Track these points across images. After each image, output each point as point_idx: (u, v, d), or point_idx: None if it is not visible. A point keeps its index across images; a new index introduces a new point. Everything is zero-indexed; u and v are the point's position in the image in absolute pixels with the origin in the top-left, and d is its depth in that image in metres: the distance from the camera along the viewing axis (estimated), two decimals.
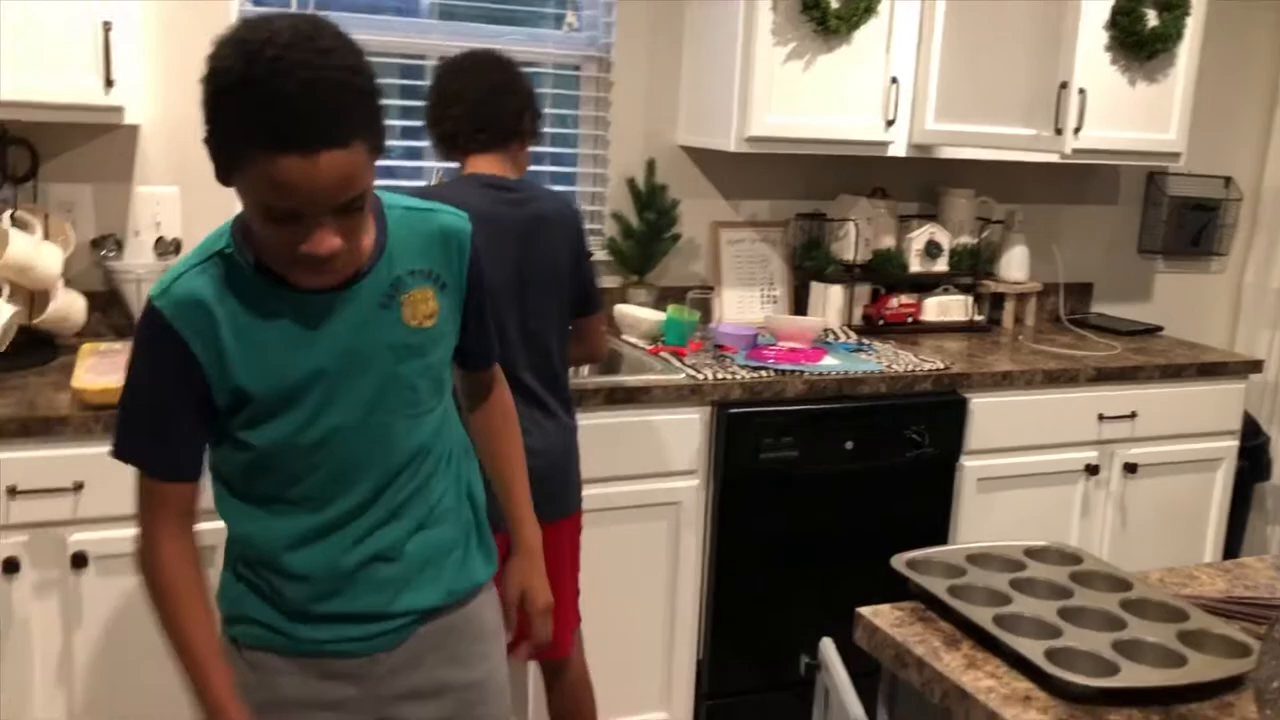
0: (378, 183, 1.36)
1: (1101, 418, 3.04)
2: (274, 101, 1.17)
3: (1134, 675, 1.24)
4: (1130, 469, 3.10)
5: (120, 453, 1.40)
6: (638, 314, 2.93)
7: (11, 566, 2.10)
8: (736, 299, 3.24)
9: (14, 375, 2.33)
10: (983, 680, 1.27)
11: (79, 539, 2.15)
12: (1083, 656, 1.28)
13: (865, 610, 1.44)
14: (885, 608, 1.45)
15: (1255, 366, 3.26)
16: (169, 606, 1.40)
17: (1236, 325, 4.01)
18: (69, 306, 2.48)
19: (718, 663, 2.77)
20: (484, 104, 2.14)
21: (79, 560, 2.14)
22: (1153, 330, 3.55)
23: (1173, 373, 3.13)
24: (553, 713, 2.41)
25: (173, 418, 1.37)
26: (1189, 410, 3.16)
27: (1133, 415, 3.07)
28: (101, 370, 2.26)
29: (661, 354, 2.81)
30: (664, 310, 2.92)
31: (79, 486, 2.12)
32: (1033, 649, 1.27)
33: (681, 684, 2.74)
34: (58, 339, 2.52)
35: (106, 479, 2.14)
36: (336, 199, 1.24)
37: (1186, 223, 3.85)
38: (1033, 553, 1.58)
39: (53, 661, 2.18)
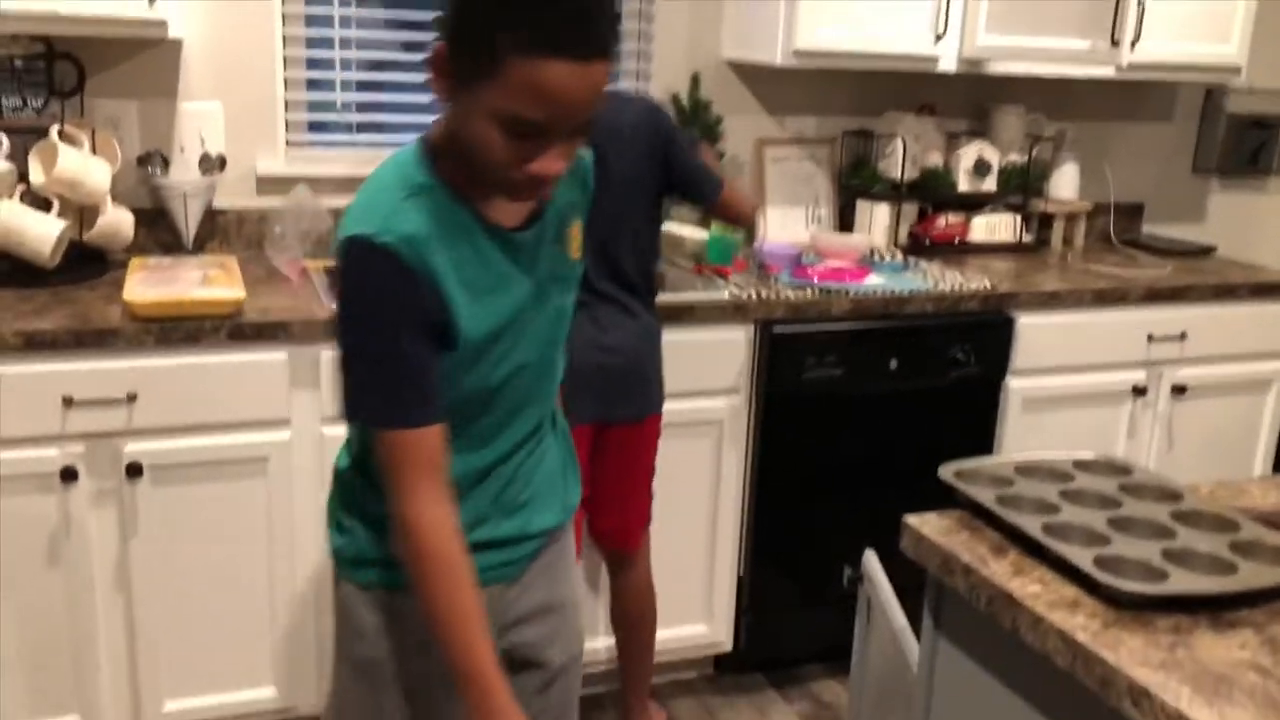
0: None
1: (1151, 339, 3.00)
2: (558, 1, 1.11)
3: (1183, 582, 1.24)
4: (1179, 391, 3.06)
5: (373, 418, 1.28)
6: (681, 232, 2.90)
7: (69, 475, 2.16)
8: (781, 218, 3.21)
9: (66, 289, 2.36)
10: (1030, 586, 1.27)
11: (134, 449, 2.19)
12: (1131, 564, 1.27)
13: (912, 518, 1.44)
14: (932, 516, 1.45)
15: None
16: (438, 578, 1.28)
17: None
18: (118, 222, 2.50)
19: (758, 578, 2.79)
20: None
21: (134, 470, 2.19)
22: (1206, 251, 3.48)
23: (1225, 293, 3.07)
24: (616, 614, 2.47)
25: (423, 363, 1.27)
26: (1240, 331, 3.11)
27: (1182, 336, 3.03)
28: (151, 284, 2.29)
29: (705, 273, 2.79)
30: (708, 229, 2.89)
31: (132, 398, 2.16)
32: (1081, 556, 1.27)
33: (722, 599, 2.77)
34: (108, 254, 2.55)
35: (159, 391, 2.18)
36: (585, 115, 1.19)
37: (1245, 140, 3.75)
38: (1082, 464, 1.56)
39: (110, 568, 2.24)
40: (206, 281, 2.34)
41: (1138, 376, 3.01)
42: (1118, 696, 1.11)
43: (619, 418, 2.25)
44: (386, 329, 1.25)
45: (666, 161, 2.25)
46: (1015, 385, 2.88)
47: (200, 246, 2.70)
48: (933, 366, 2.78)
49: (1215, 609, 1.23)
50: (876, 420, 2.78)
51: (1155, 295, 2.99)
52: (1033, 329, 2.86)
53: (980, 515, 1.43)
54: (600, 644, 2.61)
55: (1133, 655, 1.14)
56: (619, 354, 2.21)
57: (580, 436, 2.11)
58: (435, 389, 1.29)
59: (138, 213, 2.59)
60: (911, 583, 1.49)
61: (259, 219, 2.76)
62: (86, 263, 2.48)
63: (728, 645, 2.82)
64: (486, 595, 1.38)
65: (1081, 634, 1.17)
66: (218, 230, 2.75)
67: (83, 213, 2.48)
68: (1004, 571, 1.31)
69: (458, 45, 1.17)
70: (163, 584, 2.28)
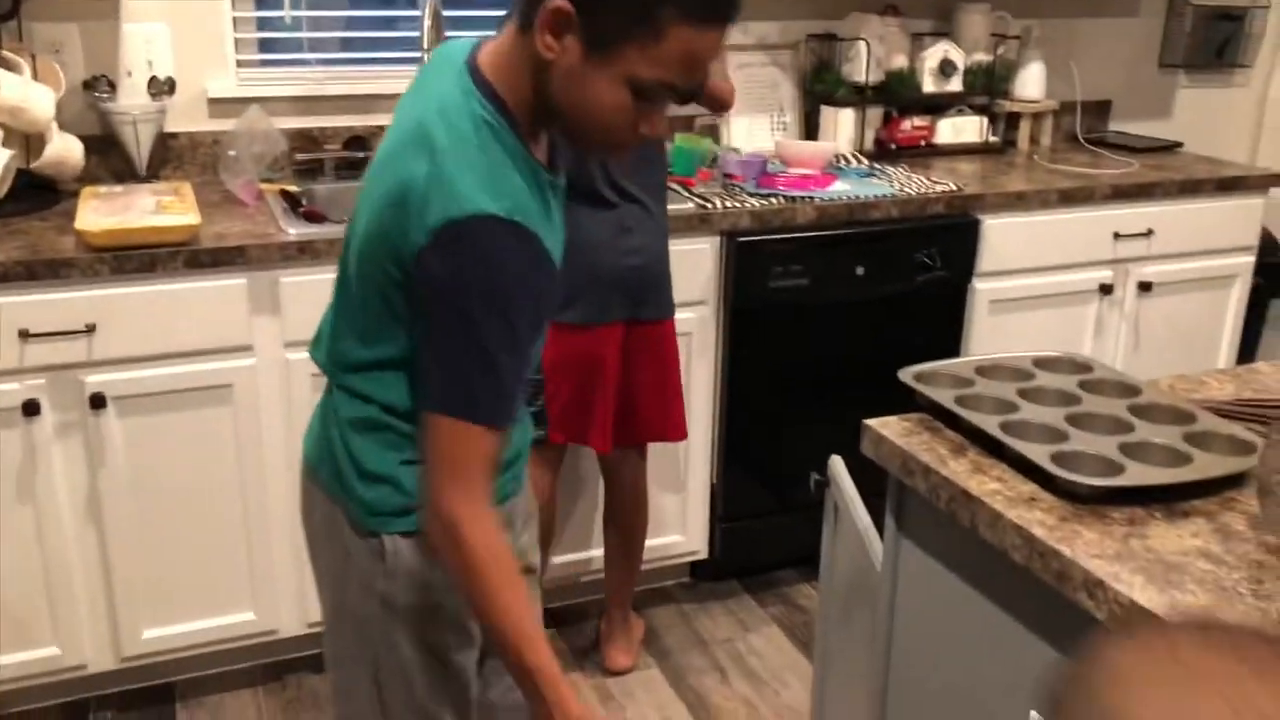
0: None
1: (1117, 236, 3.00)
2: None
3: (1138, 474, 1.25)
4: (1145, 288, 3.07)
5: (480, 414, 1.21)
6: None
7: (31, 409, 2.14)
8: (746, 126, 3.17)
9: (16, 220, 2.31)
10: (988, 484, 1.29)
11: (96, 380, 2.17)
12: (1088, 459, 1.29)
13: (872, 421, 1.45)
14: (892, 419, 1.46)
15: (1275, 180, 3.19)
16: (497, 577, 1.24)
17: (1259, 140, 3.91)
18: (66, 150, 2.44)
19: (731, 487, 2.82)
20: None
21: (97, 401, 2.17)
22: (1171, 147, 3.47)
23: (1190, 189, 3.06)
24: (611, 520, 2.56)
25: (530, 355, 1.26)
26: (1206, 227, 3.12)
27: (1149, 233, 3.03)
28: (104, 212, 2.24)
29: (671, 184, 2.75)
30: (672, 139, 2.85)
31: (91, 329, 2.13)
32: (1038, 452, 1.28)
33: (697, 508, 2.80)
34: (58, 184, 2.49)
35: (118, 321, 2.15)
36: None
37: (1210, 34, 3.71)
38: (1042, 363, 1.57)
39: (80, 501, 2.24)
40: (161, 208, 2.29)
41: (1104, 275, 3.02)
42: (1074, 588, 1.13)
43: (648, 316, 2.32)
44: (530, 316, 1.21)
45: None
46: (982, 287, 2.88)
47: (153, 173, 2.64)
48: (899, 271, 2.78)
49: (1170, 500, 1.25)
50: (844, 327, 2.78)
51: (1121, 193, 2.98)
52: (999, 230, 2.85)
53: (940, 416, 1.44)
54: (582, 555, 2.65)
55: (1088, 547, 1.15)
56: (645, 254, 2.27)
57: (611, 335, 2.25)
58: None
59: (87, 140, 2.53)
60: (877, 487, 1.50)
61: (212, 143, 2.70)
62: (36, 193, 2.43)
63: (703, 553, 2.86)
64: (509, 509, 1.40)
65: (1038, 529, 1.19)
66: (170, 156, 2.69)
67: (29, 141, 2.42)
68: (963, 470, 1.32)
69: (602, 8, 1.13)
70: (134, 514, 2.27)
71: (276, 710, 2.43)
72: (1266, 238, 3.63)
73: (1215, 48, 3.74)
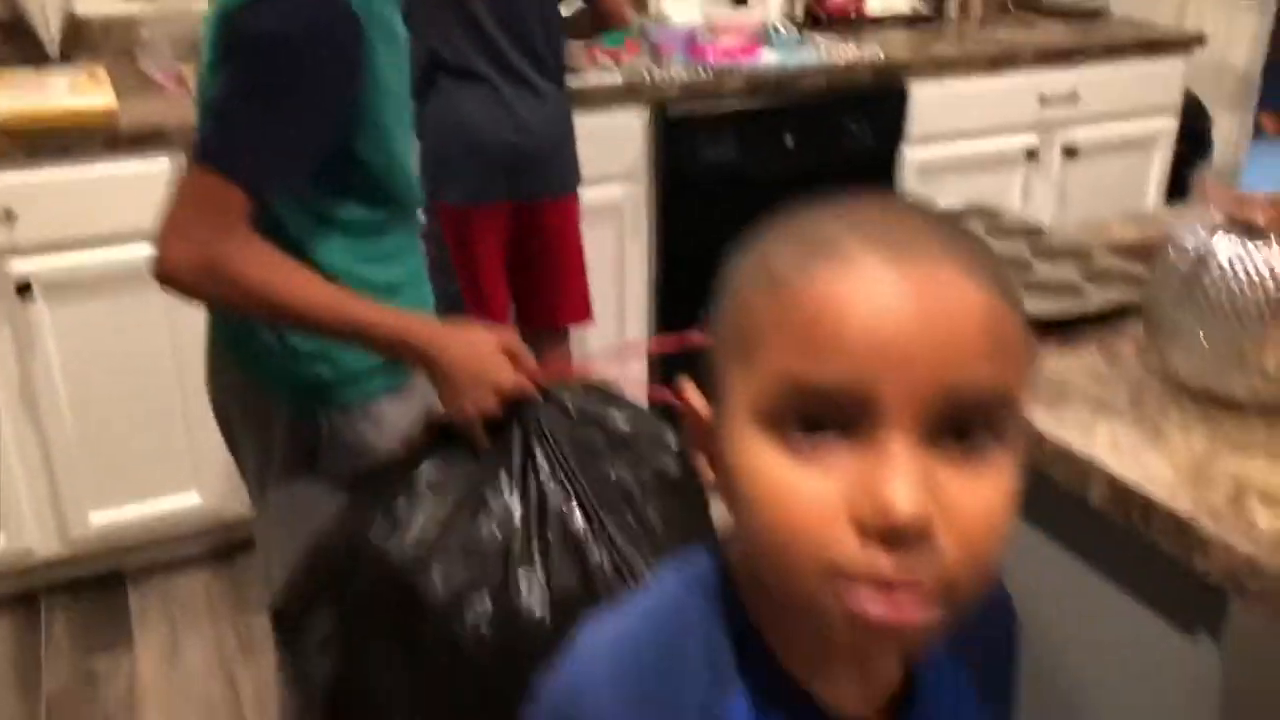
0: None
1: (1042, 101, 3.03)
2: None
3: (1032, 306, 1.30)
4: (1070, 153, 3.12)
5: (228, 168, 1.22)
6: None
7: None
8: None
9: None
10: None
11: (20, 268, 2.15)
12: None
13: None
14: None
15: (1198, 40, 3.23)
16: (280, 283, 1.24)
17: (1187, 3, 3.93)
18: None
19: (667, 366, 2.87)
20: None
21: (24, 289, 2.16)
22: (1098, 12, 3.48)
23: (1114, 51, 3.10)
24: None
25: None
26: (1130, 89, 3.16)
27: (1073, 97, 3.06)
28: (15, 97, 2.20)
29: (598, 57, 2.74)
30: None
31: (9, 215, 2.11)
32: None
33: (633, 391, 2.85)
34: None
35: (38, 207, 2.13)
36: None
37: None
38: (951, 214, 1.61)
39: (14, 390, 2.24)
40: (74, 90, 2.25)
41: (1030, 140, 3.06)
42: None
43: (538, 194, 2.27)
44: (309, 79, 1.24)
45: None
46: (910, 155, 2.91)
47: (66, 58, 2.57)
48: (829, 142, 2.80)
49: (1066, 330, 1.30)
50: (776, 199, 2.78)
51: (1046, 57, 3.01)
52: (926, 98, 2.87)
53: None
54: None
55: None
56: (529, 133, 2.22)
57: (497, 216, 2.20)
58: None
59: None
60: None
61: (127, 25, 2.64)
62: None
63: None
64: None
65: None
66: (83, 40, 2.62)
67: None
68: None
69: None
70: (72, 401, 2.28)
71: (228, 589, 2.49)
72: (1192, 101, 3.68)
73: None
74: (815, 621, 0.55)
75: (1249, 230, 1.09)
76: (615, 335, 2.76)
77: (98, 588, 2.47)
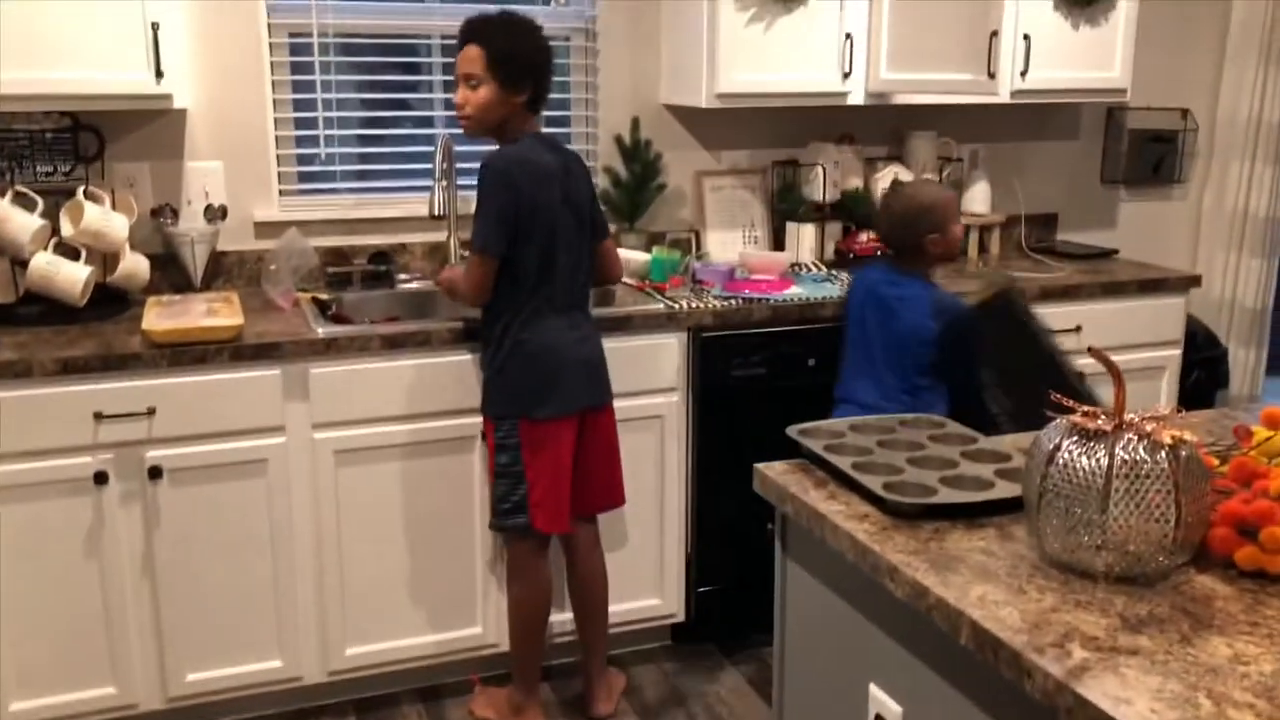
0: None
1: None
2: None
3: (946, 496, 1.62)
4: (1079, 378, 3.42)
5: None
6: (627, 255, 3.30)
7: (101, 479, 2.57)
8: (720, 240, 3.61)
9: (94, 324, 2.78)
10: (836, 506, 1.66)
11: (154, 455, 2.60)
12: (913, 486, 1.65)
13: (761, 465, 1.83)
14: (778, 464, 1.84)
15: (1194, 281, 3.57)
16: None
17: (1197, 247, 4.29)
18: (136, 266, 2.93)
19: (703, 556, 3.17)
20: (550, 73, 2.67)
21: (155, 473, 2.60)
22: (1108, 254, 3.86)
23: (1114, 289, 3.45)
24: (578, 598, 2.91)
25: None
26: (1131, 323, 3.48)
27: (1078, 329, 3.40)
28: (165, 316, 2.71)
29: (646, 289, 3.19)
30: (649, 252, 3.30)
31: (151, 411, 2.57)
32: (873, 481, 1.65)
33: (672, 575, 3.15)
34: (128, 295, 2.98)
35: (174, 405, 2.59)
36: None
37: (1146, 153, 4.13)
38: (905, 422, 1.95)
39: (138, 559, 2.65)
40: (211, 312, 2.75)
41: None
42: (882, 575, 1.50)
43: (601, 402, 2.76)
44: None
45: (593, 200, 2.72)
46: None
47: (207, 285, 3.12)
48: None
49: (972, 516, 1.61)
50: (799, 410, 3.12)
51: (1049, 293, 3.37)
52: None
53: (815, 461, 1.82)
54: (560, 618, 3.00)
55: (896, 547, 1.52)
56: (591, 344, 2.72)
57: (572, 425, 2.68)
58: None
59: (153, 258, 3.02)
60: None
61: (257, 259, 3.19)
62: (110, 302, 2.91)
63: (680, 616, 3.20)
64: None
65: (863, 535, 1.56)
66: (222, 270, 3.18)
67: (106, 259, 2.91)
68: (820, 497, 1.69)
69: None
70: (182, 571, 2.68)
71: None
72: (1208, 335, 3.99)
73: (1151, 165, 4.16)
74: None
75: (1090, 433, 1.41)
76: (656, 521, 3.09)
77: None
